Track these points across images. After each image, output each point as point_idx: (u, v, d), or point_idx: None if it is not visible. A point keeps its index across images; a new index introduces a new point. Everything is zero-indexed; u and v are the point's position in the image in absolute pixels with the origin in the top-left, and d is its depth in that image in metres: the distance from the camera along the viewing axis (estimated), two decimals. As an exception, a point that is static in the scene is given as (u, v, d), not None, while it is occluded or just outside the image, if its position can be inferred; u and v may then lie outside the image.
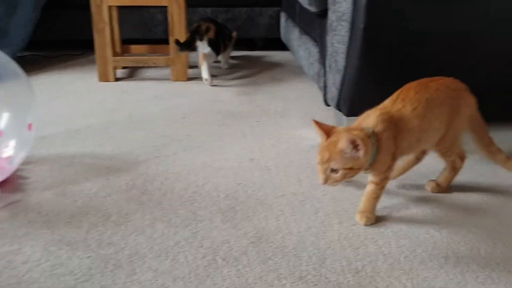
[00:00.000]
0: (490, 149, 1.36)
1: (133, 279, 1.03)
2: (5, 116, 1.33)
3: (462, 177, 1.44)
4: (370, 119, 1.18)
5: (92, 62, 2.91)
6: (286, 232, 1.20)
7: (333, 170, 1.11)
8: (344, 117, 1.70)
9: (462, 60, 1.62)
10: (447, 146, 1.31)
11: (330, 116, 2.01)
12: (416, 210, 1.32)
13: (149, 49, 2.92)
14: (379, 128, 1.16)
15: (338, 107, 1.72)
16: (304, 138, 1.81)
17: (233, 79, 2.68)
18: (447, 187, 1.39)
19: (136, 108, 2.17)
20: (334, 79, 1.68)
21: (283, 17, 3.07)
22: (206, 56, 2.52)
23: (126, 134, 1.85)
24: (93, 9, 2.47)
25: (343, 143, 1.08)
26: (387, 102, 1.24)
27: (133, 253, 1.12)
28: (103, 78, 2.56)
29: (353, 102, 1.64)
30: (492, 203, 1.36)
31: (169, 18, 2.52)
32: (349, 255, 1.12)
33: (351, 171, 1.12)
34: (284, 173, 1.53)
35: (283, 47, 3.16)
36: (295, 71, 2.85)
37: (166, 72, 2.74)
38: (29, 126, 1.42)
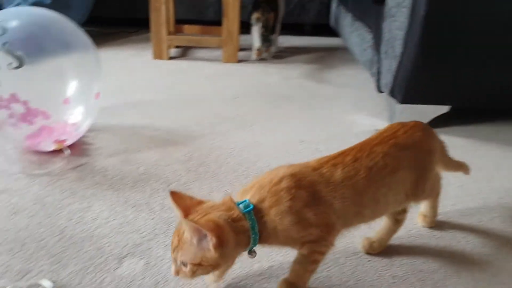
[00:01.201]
0: (448, 166, 1.16)
1: (194, 242, 1.09)
2: (75, 84, 1.40)
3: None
4: (264, 190, 0.87)
5: (146, 40, 2.99)
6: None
7: (183, 262, 0.85)
8: (398, 105, 1.71)
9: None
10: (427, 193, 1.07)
11: (381, 104, 2.02)
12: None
13: (201, 29, 2.98)
14: (268, 202, 0.86)
15: (392, 93, 1.73)
16: (356, 123, 1.83)
17: (281, 63, 2.71)
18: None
19: (189, 87, 2.23)
20: (390, 65, 1.69)
21: (334, 3, 3.08)
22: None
23: (181, 111, 1.91)
24: (151, -12, 2.54)
25: (186, 232, 0.82)
26: (313, 162, 0.93)
27: (193, 218, 1.18)
28: (158, 55, 2.64)
29: (408, 89, 1.65)
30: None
31: (223, 0, 2.57)
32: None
33: (201, 267, 0.83)
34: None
35: (331, 32, 3.17)
36: (344, 57, 2.86)
37: (217, 53, 2.79)
38: (97, 95, 1.49)
